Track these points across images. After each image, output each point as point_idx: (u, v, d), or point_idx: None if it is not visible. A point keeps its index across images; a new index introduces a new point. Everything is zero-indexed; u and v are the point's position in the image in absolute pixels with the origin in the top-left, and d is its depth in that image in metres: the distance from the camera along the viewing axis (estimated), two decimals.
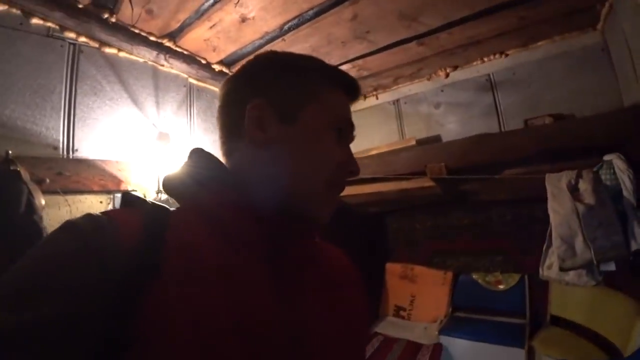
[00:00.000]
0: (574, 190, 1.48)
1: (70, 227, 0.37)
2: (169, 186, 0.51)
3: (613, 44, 1.72)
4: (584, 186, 1.46)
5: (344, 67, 2.07)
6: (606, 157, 1.46)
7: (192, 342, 0.35)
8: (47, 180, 1.54)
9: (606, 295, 1.69)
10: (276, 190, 0.48)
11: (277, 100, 0.49)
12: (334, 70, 0.54)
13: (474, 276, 2.29)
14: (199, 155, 0.52)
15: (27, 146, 1.56)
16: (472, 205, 2.32)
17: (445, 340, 2.05)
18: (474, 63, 2.08)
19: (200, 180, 0.49)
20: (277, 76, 0.52)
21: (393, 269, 2.58)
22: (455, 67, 2.11)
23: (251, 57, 0.56)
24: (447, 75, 2.11)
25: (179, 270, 0.38)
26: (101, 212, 0.41)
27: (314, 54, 0.55)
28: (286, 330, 0.43)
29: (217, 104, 0.55)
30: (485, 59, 2.03)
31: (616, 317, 1.62)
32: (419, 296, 2.43)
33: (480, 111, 2.09)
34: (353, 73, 2.18)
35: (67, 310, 0.32)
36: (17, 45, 1.60)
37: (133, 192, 0.47)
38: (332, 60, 2.04)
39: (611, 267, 1.39)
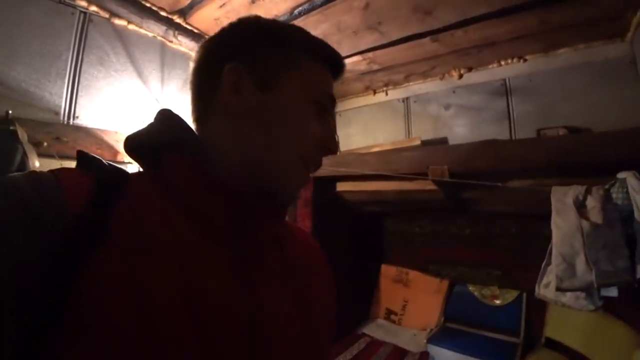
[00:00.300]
0: (581, 206, 1.38)
1: (5, 182, 0.34)
2: (129, 147, 0.47)
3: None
4: (592, 203, 1.36)
5: (354, 59, 2.02)
6: (620, 175, 1.35)
7: (135, 319, 0.32)
8: (45, 144, 1.55)
9: (605, 322, 1.59)
10: (247, 161, 0.45)
11: (256, 65, 0.46)
12: (319, 42, 0.51)
13: (470, 288, 2.20)
14: (166, 116, 0.48)
15: (28, 109, 1.58)
16: (474, 214, 2.23)
17: (433, 349, 1.99)
18: (490, 66, 1.98)
19: (162, 143, 0.45)
20: (258, 41, 0.48)
21: (388, 271, 2.52)
22: (469, 69, 2.01)
23: (234, 20, 0.51)
24: (461, 76, 2.02)
25: (127, 241, 0.35)
26: (50, 170, 0.38)
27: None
28: (243, 315, 0.40)
29: None
30: (502, 63, 1.93)
31: (614, 346, 1.52)
32: (411, 302, 2.37)
33: (492, 117, 1.99)
34: (363, 66, 2.12)
35: None
36: (28, 10, 1.61)
37: (90, 153, 0.43)
38: (342, 49, 1.99)
39: (613, 293, 1.29)
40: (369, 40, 1.88)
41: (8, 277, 0.29)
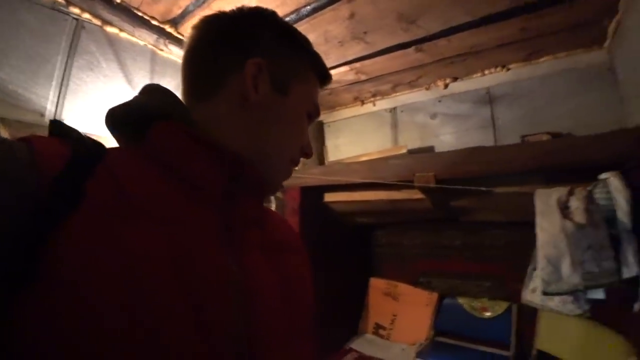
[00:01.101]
0: (564, 208, 1.37)
1: None
2: (113, 119, 0.48)
3: (620, 63, 1.64)
4: (576, 204, 1.35)
5: (341, 69, 2.05)
6: (602, 176, 1.35)
7: (120, 280, 0.32)
8: None
9: (596, 332, 1.54)
10: (247, 147, 0.47)
11: (274, 66, 0.50)
12: (319, 58, 0.57)
13: (459, 300, 2.15)
14: (155, 89, 0.51)
15: (14, 109, 1.59)
16: (464, 225, 2.21)
17: None
18: (474, 75, 2.02)
19: (150, 114, 0.45)
20: (279, 42, 0.52)
21: (377, 284, 2.46)
22: (454, 78, 2.05)
23: (251, 5, 0.55)
24: (446, 86, 2.06)
25: (108, 205, 0.35)
26: (20, 138, 0.37)
27: None
28: (230, 278, 0.40)
29: None
30: (486, 72, 1.97)
31: (606, 357, 1.47)
32: (400, 316, 2.30)
33: (477, 125, 2.02)
34: (351, 76, 2.16)
35: None
36: (22, 14, 1.65)
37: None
38: (329, 60, 2.03)
39: (599, 295, 1.26)
40: (356, 50, 1.92)
41: None
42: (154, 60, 2.04)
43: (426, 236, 2.40)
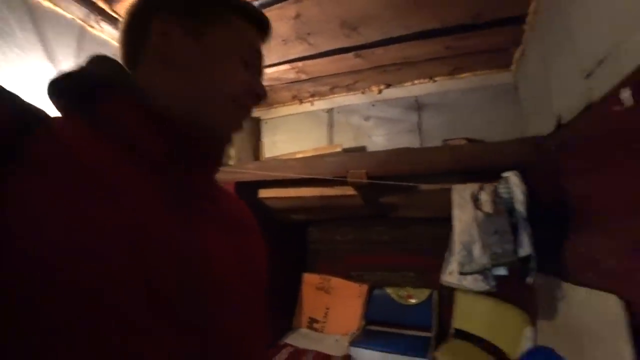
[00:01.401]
0: (476, 200, 1.60)
1: None
2: (55, 88, 0.44)
3: (521, 84, 1.98)
4: (485, 197, 1.58)
5: (282, 67, 2.11)
6: (504, 174, 1.60)
7: (67, 237, 0.30)
8: None
9: (501, 308, 1.82)
10: (180, 102, 0.46)
11: (186, 16, 0.49)
12: (247, 3, 0.55)
13: (387, 290, 2.32)
14: (99, 58, 0.48)
15: None
16: (393, 221, 2.40)
17: (355, 352, 2.03)
18: (405, 84, 2.25)
19: (96, 80, 0.43)
20: None
21: (310, 279, 2.53)
22: (388, 85, 2.26)
23: None
24: (380, 91, 2.26)
25: (49, 167, 0.33)
26: None
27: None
28: (183, 254, 0.39)
29: None
30: (416, 82, 2.21)
31: (509, 327, 1.74)
32: (333, 308, 2.39)
33: (405, 128, 2.26)
34: (292, 75, 2.23)
35: None
36: None
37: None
38: (272, 57, 2.07)
39: (503, 272, 1.49)
40: (298, 50, 2.00)
41: None
42: (83, 36, 1.86)
43: (357, 232, 2.55)
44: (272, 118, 2.71)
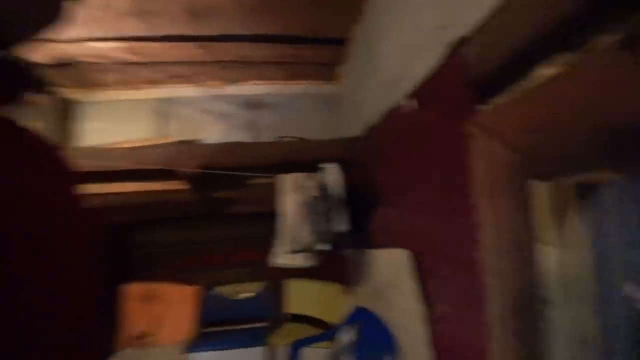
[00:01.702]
0: (302, 187, 1.81)
1: None
2: None
3: (342, 97, 2.40)
4: (308, 184, 1.80)
5: (111, 44, 1.88)
6: (325, 165, 1.87)
7: None
8: None
9: (326, 288, 2.07)
10: None
11: None
12: None
13: (221, 289, 2.28)
14: None
15: None
16: (225, 218, 2.35)
17: (192, 357, 1.93)
18: (244, 82, 2.39)
19: None
20: None
21: (133, 291, 2.21)
22: (228, 81, 2.33)
23: None
24: (219, 87, 2.31)
25: None
26: None
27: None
28: None
29: None
30: (257, 82, 2.37)
31: (334, 302, 1.98)
32: (165, 317, 2.17)
33: (241, 125, 2.41)
34: (123, 55, 2.00)
35: None
36: None
37: None
38: (102, 29, 1.82)
39: (326, 247, 1.71)
40: (135, 28, 1.83)
41: None
42: None
43: (189, 233, 2.41)
44: (96, 102, 2.35)
